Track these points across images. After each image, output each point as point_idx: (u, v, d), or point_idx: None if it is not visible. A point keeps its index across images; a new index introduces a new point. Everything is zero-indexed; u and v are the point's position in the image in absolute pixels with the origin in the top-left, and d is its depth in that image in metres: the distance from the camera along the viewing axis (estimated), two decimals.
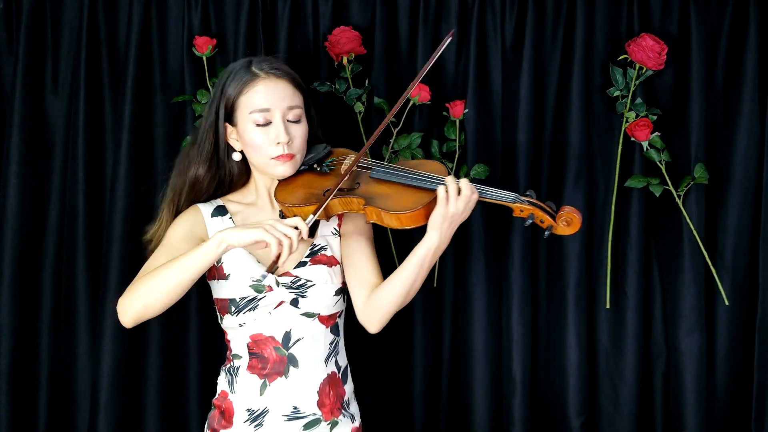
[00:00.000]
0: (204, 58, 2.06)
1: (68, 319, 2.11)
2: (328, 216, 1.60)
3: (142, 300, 1.46)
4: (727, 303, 2.07)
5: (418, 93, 2.03)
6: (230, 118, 1.62)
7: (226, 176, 1.68)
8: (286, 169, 1.60)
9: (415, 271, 1.51)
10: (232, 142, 1.64)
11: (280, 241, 1.39)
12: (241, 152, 1.64)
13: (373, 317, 1.58)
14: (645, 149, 2.04)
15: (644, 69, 2.01)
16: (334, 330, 1.66)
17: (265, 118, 1.57)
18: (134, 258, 2.06)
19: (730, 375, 2.11)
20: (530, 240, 2.08)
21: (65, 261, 2.11)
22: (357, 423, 1.69)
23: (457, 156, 2.07)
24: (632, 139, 2.04)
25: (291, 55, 2.08)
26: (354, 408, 1.70)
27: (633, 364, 2.07)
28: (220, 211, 1.65)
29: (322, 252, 1.64)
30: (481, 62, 2.07)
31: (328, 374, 1.62)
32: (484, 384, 2.07)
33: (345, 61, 2.03)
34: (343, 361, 1.69)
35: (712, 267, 2.06)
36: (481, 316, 2.06)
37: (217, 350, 2.08)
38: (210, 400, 2.06)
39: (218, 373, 1.72)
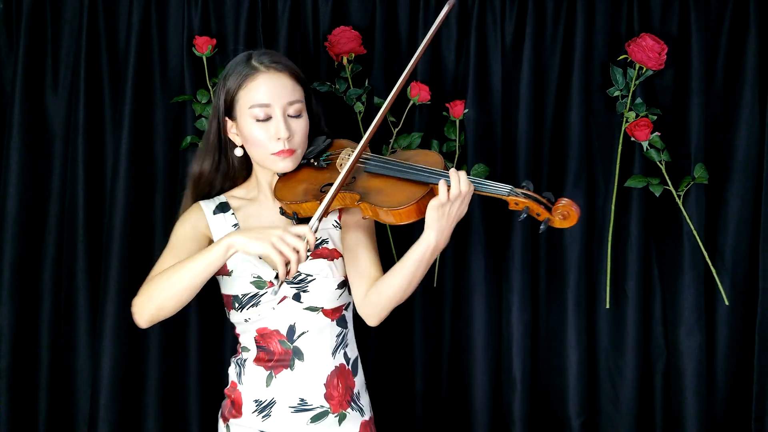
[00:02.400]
0: (204, 58, 2.05)
1: (68, 319, 2.11)
2: (327, 213, 1.57)
3: (155, 302, 1.48)
4: (727, 303, 2.07)
5: (418, 93, 2.03)
6: (230, 112, 1.60)
7: (230, 170, 1.67)
8: (287, 165, 1.58)
9: (413, 268, 1.49)
10: (233, 137, 1.63)
11: (286, 256, 1.38)
12: (242, 147, 1.63)
13: (371, 311, 1.57)
14: (645, 149, 2.04)
15: (644, 69, 2.01)
16: (341, 322, 1.65)
17: (266, 114, 1.55)
18: (134, 258, 2.07)
19: (730, 375, 2.11)
20: (530, 239, 2.08)
21: (65, 261, 2.11)
22: (367, 416, 1.67)
23: (457, 156, 2.07)
24: (632, 139, 2.03)
25: (291, 55, 2.08)
26: (365, 400, 1.68)
27: (633, 364, 2.07)
28: (222, 207, 1.65)
29: (324, 245, 1.63)
30: (481, 62, 2.07)
31: (336, 366, 1.61)
32: (484, 384, 2.07)
33: (345, 61, 2.03)
34: (352, 352, 1.67)
35: (712, 267, 2.06)
36: (481, 315, 2.06)
37: (217, 349, 2.08)
38: (210, 400, 2.08)
39: (229, 365, 1.72)
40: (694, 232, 2.03)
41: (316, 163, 1.63)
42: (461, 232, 2.07)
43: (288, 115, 1.57)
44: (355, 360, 1.69)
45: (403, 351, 2.11)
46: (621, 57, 2.04)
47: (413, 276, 1.50)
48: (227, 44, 2.10)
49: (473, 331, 2.07)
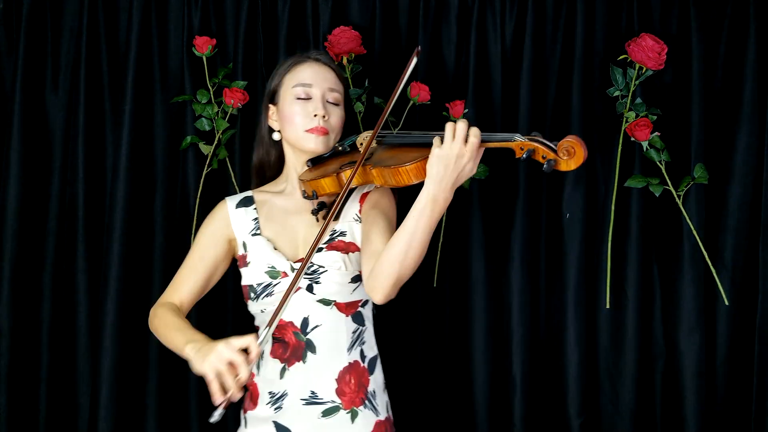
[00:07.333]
0: (204, 58, 2.06)
1: (68, 319, 2.11)
2: (339, 205, 1.54)
3: (155, 334, 1.65)
4: (727, 303, 2.07)
5: (418, 93, 2.03)
6: (274, 97, 1.71)
7: (266, 162, 1.77)
8: (318, 144, 1.64)
9: (412, 226, 1.40)
10: (272, 123, 1.72)
11: (220, 373, 1.36)
12: (279, 132, 1.71)
13: (375, 283, 1.48)
14: (645, 149, 2.04)
15: (644, 69, 2.01)
16: (357, 319, 1.64)
17: (306, 93, 1.65)
18: (134, 258, 2.07)
19: (730, 375, 2.11)
20: (530, 239, 2.08)
21: (65, 261, 2.11)
22: (383, 416, 1.66)
23: None
24: (632, 139, 2.03)
25: (291, 55, 2.08)
26: (381, 400, 1.66)
27: (633, 364, 2.07)
28: (246, 202, 1.70)
29: (340, 238, 1.63)
30: (481, 62, 2.07)
31: (350, 363, 1.61)
32: (484, 384, 2.07)
33: (345, 61, 2.03)
34: (370, 350, 1.67)
35: (712, 267, 2.06)
36: (481, 316, 2.06)
37: None
38: (210, 400, 2.07)
39: None
40: (694, 232, 2.03)
41: (341, 148, 1.69)
42: (461, 231, 2.07)
43: (327, 101, 1.66)
44: (373, 359, 1.68)
45: (404, 351, 2.10)
46: (621, 57, 2.04)
47: (413, 236, 1.40)
48: (227, 44, 2.10)
49: (473, 331, 2.07)
